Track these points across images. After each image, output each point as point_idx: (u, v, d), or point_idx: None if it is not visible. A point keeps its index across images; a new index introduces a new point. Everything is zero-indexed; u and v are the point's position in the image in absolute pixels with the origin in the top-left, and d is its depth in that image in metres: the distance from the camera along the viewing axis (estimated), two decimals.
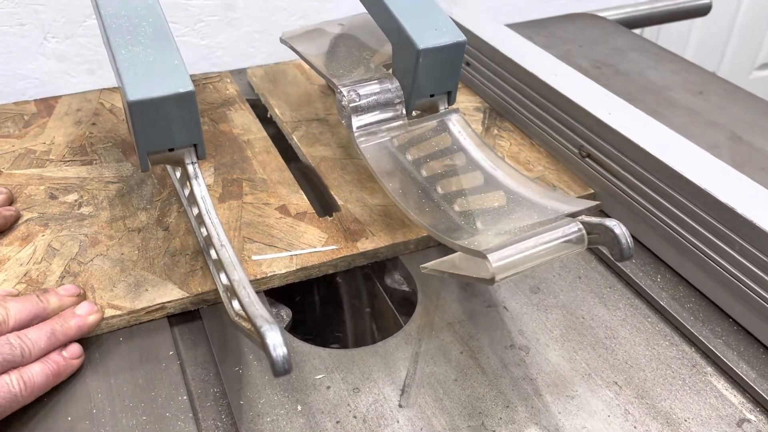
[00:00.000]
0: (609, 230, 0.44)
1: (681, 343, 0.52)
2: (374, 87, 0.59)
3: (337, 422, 0.45)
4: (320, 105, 0.77)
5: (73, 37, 1.08)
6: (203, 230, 0.51)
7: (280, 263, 0.55)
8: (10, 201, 0.60)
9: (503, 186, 0.53)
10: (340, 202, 0.62)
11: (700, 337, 0.52)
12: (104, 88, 0.79)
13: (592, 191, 0.66)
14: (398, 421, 0.45)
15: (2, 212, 0.56)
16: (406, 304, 0.59)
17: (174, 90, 0.47)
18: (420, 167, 0.57)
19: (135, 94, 0.46)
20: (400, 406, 0.46)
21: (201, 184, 0.51)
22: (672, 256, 0.58)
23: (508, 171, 0.55)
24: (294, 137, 0.71)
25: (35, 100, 0.76)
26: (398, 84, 0.59)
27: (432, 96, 0.59)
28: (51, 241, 0.56)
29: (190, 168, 0.51)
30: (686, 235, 0.56)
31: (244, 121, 0.74)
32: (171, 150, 0.50)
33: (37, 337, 0.45)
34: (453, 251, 0.50)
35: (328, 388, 0.47)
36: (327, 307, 0.69)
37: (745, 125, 0.79)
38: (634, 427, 0.46)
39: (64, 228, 0.58)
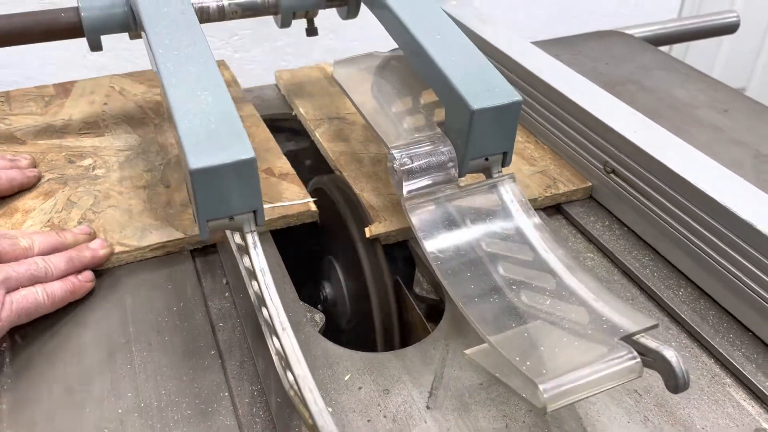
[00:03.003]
0: (665, 360, 0.43)
1: (701, 355, 0.54)
2: (426, 148, 0.57)
3: (368, 421, 0.48)
4: (341, 105, 0.84)
5: (114, 49, 1.12)
6: (265, 312, 0.48)
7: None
8: (34, 165, 0.70)
9: (552, 270, 0.52)
10: (357, 191, 0.68)
11: (720, 349, 0.53)
12: (114, 74, 0.87)
13: (590, 184, 0.70)
14: (426, 422, 0.48)
15: (27, 173, 0.67)
16: (435, 312, 0.61)
17: (236, 157, 0.47)
18: (468, 240, 0.55)
19: (197, 162, 0.46)
20: (427, 407, 0.49)
21: (260, 254, 0.49)
22: (694, 270, 0.60)
23: (560, 254, 0.54)
24: (316, 133, 0.78)
25: (53, 84, 0.85)
26: (451, 146, 0.57)
27: (486, 159, 0.57)
28: (70, 195, 0.66)
29: (249, 238, 0.50)
30: (708, 250, 0.57)
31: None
32: (231, 219, 0.49)
33: (57, 261, 0.55)
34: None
35: (360, 388, 0.50)
36: (358, 315, 0.71)
37: None
38: None
39: (81, 186, 0.68)
